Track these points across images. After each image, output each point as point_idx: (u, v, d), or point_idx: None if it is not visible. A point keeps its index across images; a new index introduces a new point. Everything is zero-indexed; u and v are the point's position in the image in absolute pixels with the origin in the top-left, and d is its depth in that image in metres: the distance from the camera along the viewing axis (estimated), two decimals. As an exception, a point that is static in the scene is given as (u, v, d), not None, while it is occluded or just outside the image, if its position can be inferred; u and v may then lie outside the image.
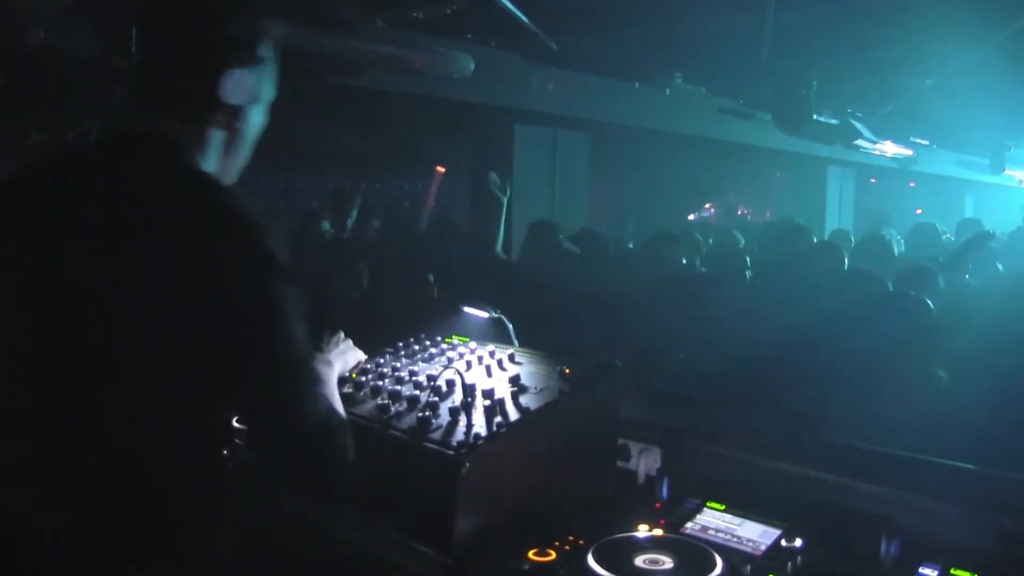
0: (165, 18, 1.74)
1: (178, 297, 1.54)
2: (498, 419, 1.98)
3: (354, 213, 7.73)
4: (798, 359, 3.10)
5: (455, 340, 2.64)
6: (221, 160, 1.80)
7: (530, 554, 1.81)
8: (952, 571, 1.73)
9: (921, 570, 1.74)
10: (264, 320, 1.59)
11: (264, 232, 1.61)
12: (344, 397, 2.18)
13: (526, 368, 2.31)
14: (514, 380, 2.18)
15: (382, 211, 9.54)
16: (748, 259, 5.93)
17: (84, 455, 1.58)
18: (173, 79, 1.73)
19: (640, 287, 4.56)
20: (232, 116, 1.77)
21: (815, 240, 6.68)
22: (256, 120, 1.85)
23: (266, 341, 1.59)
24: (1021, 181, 17.77)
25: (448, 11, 5.42)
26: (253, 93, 1.76)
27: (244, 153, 1.86)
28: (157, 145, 1.70)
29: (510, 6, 5.53)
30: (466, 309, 2.74)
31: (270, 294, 1.59)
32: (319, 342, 2.22)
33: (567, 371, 2.21)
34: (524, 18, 5.89)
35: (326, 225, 7.88)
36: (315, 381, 1.67)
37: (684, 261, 5.75)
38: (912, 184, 17.66)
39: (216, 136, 1.77)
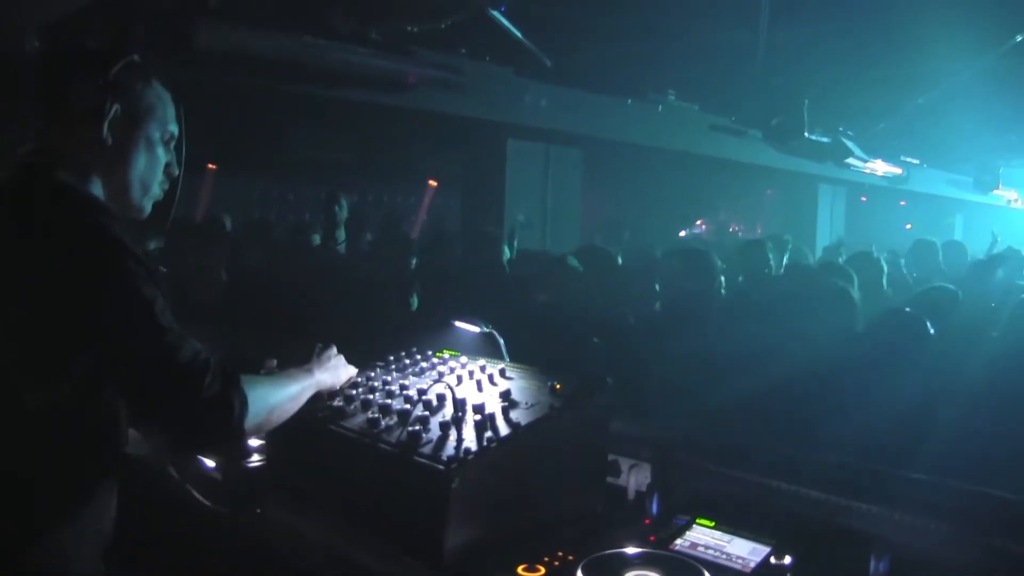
0: (40, 58, 2.06)
1: (39, 292, 1.70)
2: (488, 434, 1.97)
3: (343, 218, 7.68)
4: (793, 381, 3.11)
5: (446, 355, 2.64)
6: (107, 180, 1.93)
7: (519, 569, 1.81)
8: (941, 589, 1.73)
9: (910, 588, 1.74)
10: (116, 297, 1.71)
11: (109, 224, 1.76)
12: (334, 412, 2.20)
13: (517, 383, 2.31)
14: (505, 395, 2.17)
15: (375, 224, 9.54)
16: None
17: None
18: (39, 98, 1.95)
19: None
20: (96, 131, 1.88)
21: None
22: (138, 141, 1.95)
23: (122, 314, 1.71)
24: (1010, 201, 17.89)
25: (443, 25, 5.45)
26: (101, 104, 1.87)
27: (139, 172, 1.97)
28: (37, 170, 1.87)
29: (505, 22, 5.57)
30: (457, 323, 2.73)
31: (117, 272, 1.72)
32: (308, 357, 2.25)
33: (558, 386, 2.21)
34: (519, 34, 5.93)
35: (316, 238, 7.86)
36: (167, 327, 1.72)
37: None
38: (903, 203, 17.77)
39: (88, 152, 1.90)
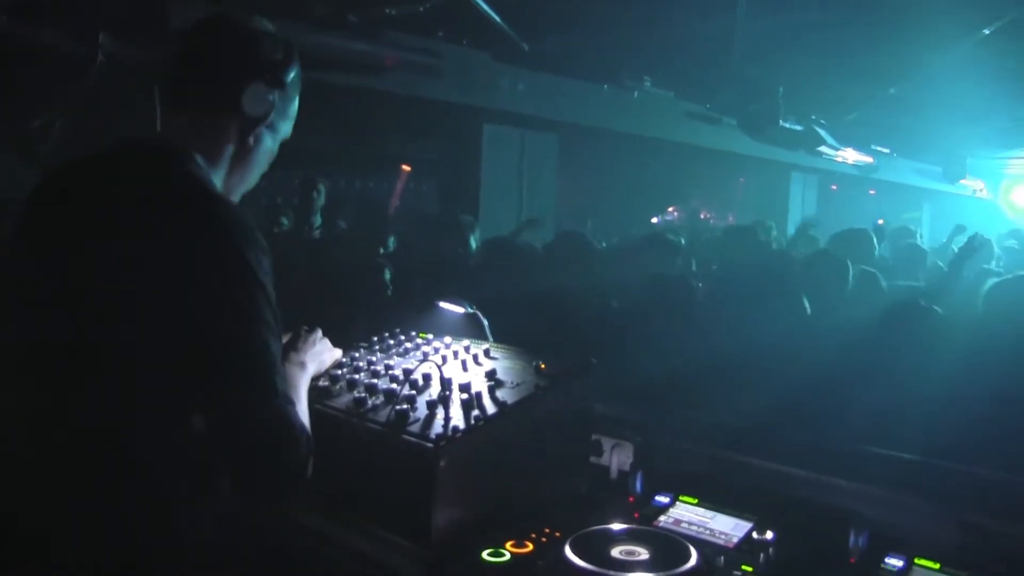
0: (203, 29, 1.87)
1: (158, 297, 1.60)
2: (475, 412, 2.00)
3: (320, 204, 7.64)
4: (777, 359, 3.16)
5: (429, 335, 2.65)
6: (228, 174, 1.88)
7: (508, 545, 1.84)
8: (916, 561, 1.78)
9: (887, 560, 1.79)
10: (234, 322, 1.61)
11: (248, 239, 1.65)
12: (320, 391, 2.20)
13: (502, 363, 2.34)
14: (490, 375, 2.20)
15: (349, 209, 9.49)
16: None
17: (75, 451, 1.63)
18: (196, 83, 1.85)
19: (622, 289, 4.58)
20: (245, 130, 1.86)
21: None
22: (268, 145, 1.94)
23: (233, 343, 1.61)
24: (976, 191, 18.15)
25: (422, 8, 5.44)
26: (269, 110, 1.86)
27: (252, 176, 1.96)
28: (158, 153, 1.78)
29: (483, 5, 5.57)
30: (441, 304, 2.75)
31: (243, 297, 1.62)
32: (295, 341, 2.22)
33: (543, 366, 2.24)
34: (497, 18, 5.93)
35: (284, 221, 7.81)
36: (280, 390, 1.64)
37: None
38: (872, 192, 17.94)
39: (227, 148, 1.86)
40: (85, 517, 1.63)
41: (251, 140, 1.89)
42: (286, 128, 1.99)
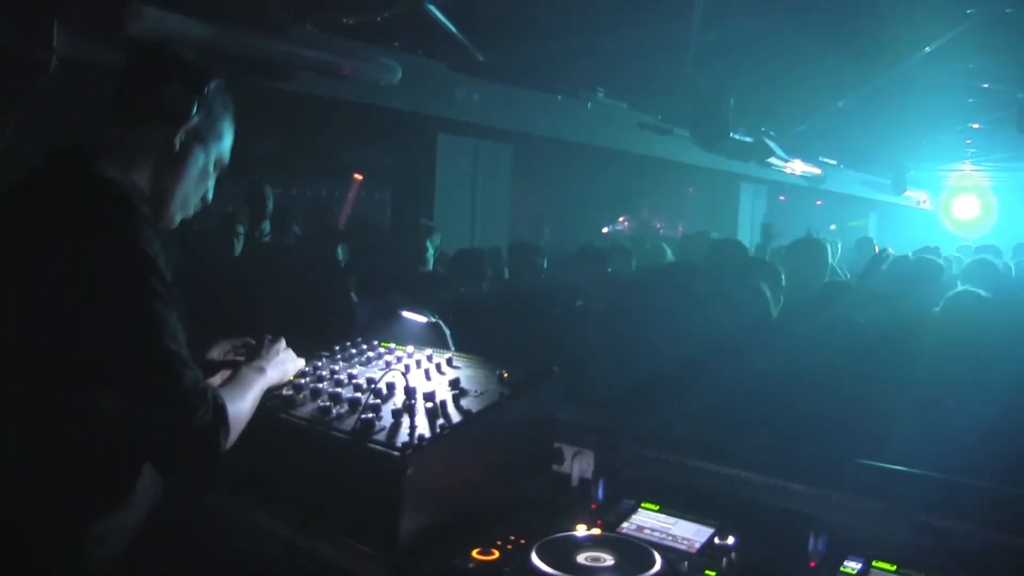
0: (134, 52, 2.03)
1: (57, 288, 1.70)
2: (441, 421, 2.00)
3: (269, 210, 7.56)
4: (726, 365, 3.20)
5: (392, 344, 2.66)
6: (155, 181, 1.96)
7: (474, 553, 1.84)
8: (874, 563, 1.82)
9: (846, 563, 1.83)
10: (125, 310, 1.70)
11: (138, 230, 1.75)
12: (283, 400, 2.19)
13: (465, 372, 2.35)
14: (454, 383, 2.21)
15: (302, 217, 9.42)
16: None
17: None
18: (124, 92, 1.98)
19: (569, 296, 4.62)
20: (169, 134, 1.95)
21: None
22: (199, 160, 2.02)
23: (127, 330, 1.70)
24: (919, 202, 18.60)
25: (379, 18, 5.44)
26: (187, 110, 1.95)
27: (185, 188, 2.02)
28: (75, 155, 1.88)
29: (440, 16, 5.58)
30: (404, 313, 2.75)
31: (132, 285, 1.71)
32: (258, 348, 2.23)
33: (505, 375, 2.25)
34: (453, 28, 5.95)
35: (241, 229, 7.72)
36: (171, 350, 1.71)
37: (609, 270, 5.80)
38: (819, 202, 18.29)
39: (149, 151, 1.95)
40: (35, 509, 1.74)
41: (176, 144, 1.96)
42: (219, 148, 2.07)
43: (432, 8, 5.47)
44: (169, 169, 1.97)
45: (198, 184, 2.05)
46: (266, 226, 7.57)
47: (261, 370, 2.13)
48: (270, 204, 7.56)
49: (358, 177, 13.89)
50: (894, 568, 1.81)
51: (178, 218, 2.04)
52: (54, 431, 1.74)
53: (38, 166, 1.89)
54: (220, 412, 1.77)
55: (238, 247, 6.67)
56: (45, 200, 1.82)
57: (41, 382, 1.74)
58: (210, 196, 2.11)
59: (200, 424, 1.71)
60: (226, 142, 2.09)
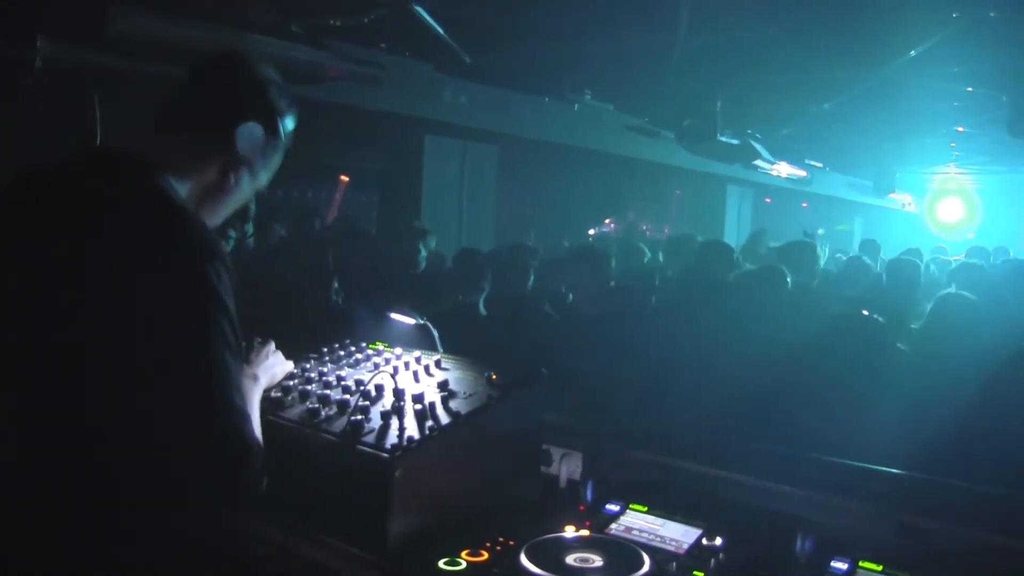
0: (217, 61, 1.91)
1: (118, 307, 1.60)
2: (429, 422, 2.01)
3: (252, 212, 7.53)
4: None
5: (380, 346, 2.65)
6: (199, 204, 1.86)
7: (463, 554, 1.85)
8: (861, 564, 1.84)
9: (833, 564, 1.84)
10: (195, 340, 1.60)
11: (211, 254, 1.65)
12: (272, 402, 2.18)
13: (453, 374, 2.35)
14: (443, 385, 2.21)
15: (287, 218, 9.38)
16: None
17: (36, 458, 1.64)
18: (197, 106, 1.87)
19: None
20: (227, 166, 1.87)
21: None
22: (244, 189, 1.94)
23: (193, 361, 1.60)
24: (904, 204, 18.72)
25: (365, 19, 5.43)
26: (257, 153, 1.88)
27: (220, 214, 1.95)
28: (134, 165, 1.77)
29: (427, 17, 5.58)
30: (392, 315, 2.75)
31: (205, 314, 1.61)
32: (247, 353, 2.20)
33: (494, 377, 2.26)
34: (440, 30, 5.95)
35: (232, 233, 7.69)
36: (238, 407, 1.63)
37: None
38: (805, 204, 18.37)
39: (204, 177, 1.86)
40: (41, 525, 1.63)
41: (232, 178, 1.90)
42: (264, 178, 2.00)
43: (419, 9, 5.46)
44: (216, 198, 1.91)
45: (233, 209, 1.99)
46: (249, 228, 7.54)
47: (255, 378, 2.07)
48: (252, 206, 7.54)
49: (344, 179, 13.85)
50: (880, 568, 1.82)
51: None
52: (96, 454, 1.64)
53: (81, 162, 1.79)
54: (264, 459, 1.67)
55: (227, 248, 6.63)
56: (115, 209, 1.68)
57: (83, 395, 1.64)
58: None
59: (254, 476, 1.63)
60: (271, 171, 2.02)
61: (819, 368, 3.18)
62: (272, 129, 1.91)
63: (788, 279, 4.49)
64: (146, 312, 1.60)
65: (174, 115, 1.89)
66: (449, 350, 2.66)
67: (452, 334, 2.83)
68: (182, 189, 1.81)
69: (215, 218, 1.94)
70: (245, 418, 1.63)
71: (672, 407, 3.03)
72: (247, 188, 1.96)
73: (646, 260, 6.90)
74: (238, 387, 1.64)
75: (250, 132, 1.86)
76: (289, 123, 1.97)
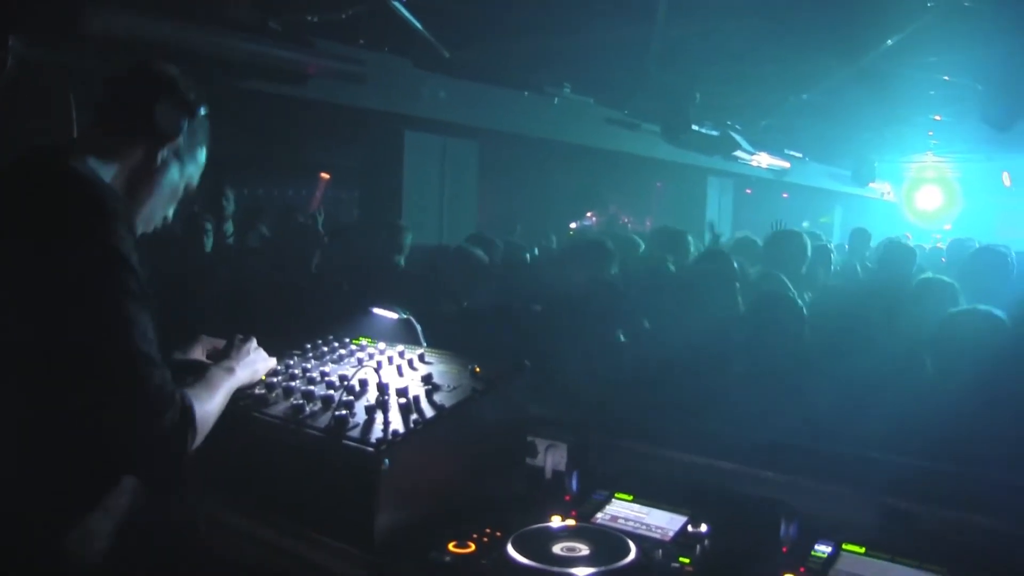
0: (134, 65, 2.04)
1: (29, 282, 1.69)
2: (414, 416, 2.01)
3: (230, 211, 7.51)
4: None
5: (363, 341, 2.66)
6: (127, 190, 1.96)
7: (450, 546, 1.85)
8: (844, 546, 1.86)
9: (817, 547, 1.86)
10: (96, 308, 1.69)
11: (112, 227, 1.74)
12: (256, 399, 2.18)
13: (437, 367, 2.35)
14: (426, 379, 2.21)
15: (268, 217, 9.35)
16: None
17: None
18: (115, 99, 2.01)
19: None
20: (152, 149, 1.98)
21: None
22: (173, 177, 2.05)
23: (97, 328, 1.69)
24: (883, 194, 18.84)
25: (343, 15, 5.41)
26: (176, 131, 2.00)
27: (154, 203, 2.04)
28: (50, 153, 1.88)
29: (405, 13, 5.57)
30: (375, 310, 2.75)
31: (104, 282, 1.70)
32: (228, 348, 2.24)
33: (477, 370, 2.26)
34: (419, 25, 5.94)
35: (208, 227, 7.67)
36: (142, 352, 1.70)
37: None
38: (785, 195, 18.45)
39: (132, 159, 1.97)
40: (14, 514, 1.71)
41: (157, 160, 1.99)
42: (192, 170, 2.11)
43: (397, 5, 5.45)
44: (144, 182, 1.99)
45: (167, 202, 2.08)
46: (229, 227, 7.52)
47: (230, 370, 2.12)
48: (231, 206, 7.52)
49: (325, 176, 13.82)
50: (863, 550, 1.84)
51: (139, 231, 2.02)
52: (24, 431, 1.72)
53: (12, 162, 1.87)
54: (188, 414, 1.77)
55: (208, 244, 6.63)
56: (17, 194, 1.80)
57: (10, 380, 1.72)
58: (170, 218, 2.14)
59: (167, 425, 1.71)
60: (199, 166, 2.13)
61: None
62: (187, 108, 2.02)
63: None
64: (50, 286, 1.68)
65: (100, 109, 2.01)
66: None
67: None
68: (106, 172, 1.90)
69: (151, 207, 2.03)
70: (150, 363, 1.71)
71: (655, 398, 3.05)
72: (174, 173, 2.05)
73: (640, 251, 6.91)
74: (143, 334, 1.72)
75: (166, 110, 1.97)
76: (201, 106, 2.07)
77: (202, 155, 2.13)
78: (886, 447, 2.25)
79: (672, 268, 4.88)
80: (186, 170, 2.08)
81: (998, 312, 3.23)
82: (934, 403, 2.79)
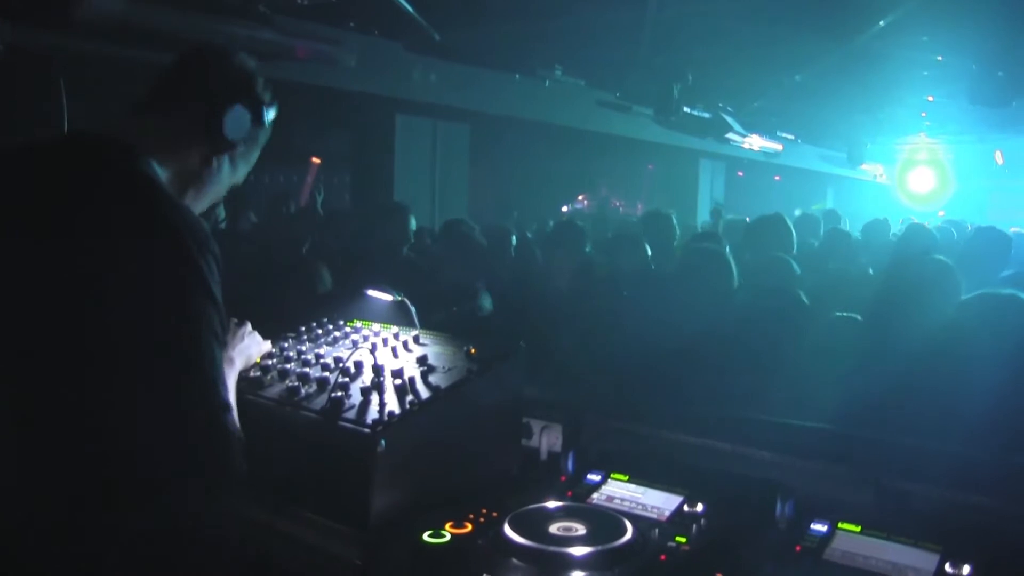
0: (205, 49, 1.93)
1: (106, 298, 1.57)
2: (410, 397, 2.00)
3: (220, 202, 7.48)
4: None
5: (358, 323, 2.65)
6: (181, 191, 1.85)
7: (447, 526, 1.85)
8: (839, 525, 1.86)
9: (812, 526, 1.86)
10: (186, 334, 1.60)
11: (202, 246, 1.64)
12: (251, 381, 2.17)
13: (432, 349, 2.35)
14: (422, 360, 2.21)
15: (257, 203, 9.31)
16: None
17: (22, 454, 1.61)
18: (185, 89, 1.87)
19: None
20: (211, 152, 1.87)
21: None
22: (225, 179, 1.94)
23: (183, 354, 1.60)
24: (876, 175, 18.85)
25: (333, -1, 5.38)
26: (242, 139, 1.88)
27: (201, 203, 1.93)
28: (114, 148, 1.74)
29: (396, -5, 5.54)
30: (369, 292, 2.75)
31: (195, 307, 1.61)
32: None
33: (473, 351, 2.26)
34: (409, 8, 5.90)
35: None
36: (225, 402, 1.64)
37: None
38: (777, 177, 18.46)
39: (188, 163, 1.85)
40: (36, 522, 1.61)
41: (215, 163, 1.89)
42: (243, 171, 2.01)
43: (388, -13, 5.42)
44: (197, 184, 1.89)
45: (210, 200, 1.98)
46: (221, 213, 7.49)
47: (231, 361, 2.07)
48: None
49: (316, 161, 13.76)
50: (859, 529, 1.84)
51: None
52: (56, 437, 1.62)
53: (61, 147, 1.77)
54: (244, 446, 1.68)
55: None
56: (84, 188, 1.67)
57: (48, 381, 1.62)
58: (219, 215, 2.07)
59: (237, 468, 1.65)
60: (250, 166, 2.03)
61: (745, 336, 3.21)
62: (257, 117, 1.92)
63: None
64: (138, 302, 1.58)
65: (161, 97, 1.88)
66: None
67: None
68: (162, 174, 1.79)
69: (197, 207, 1.91)
70: (228, 409, 1.65)
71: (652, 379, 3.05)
72: (226, 178, 1.96)
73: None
74: (223, 378, 1.65)
75: (239, 116, 1.86)
76: (271, 114, 1.98)
77: (255, 156, 2.02)
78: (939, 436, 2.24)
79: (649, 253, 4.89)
80: (238, 172, 1.98)
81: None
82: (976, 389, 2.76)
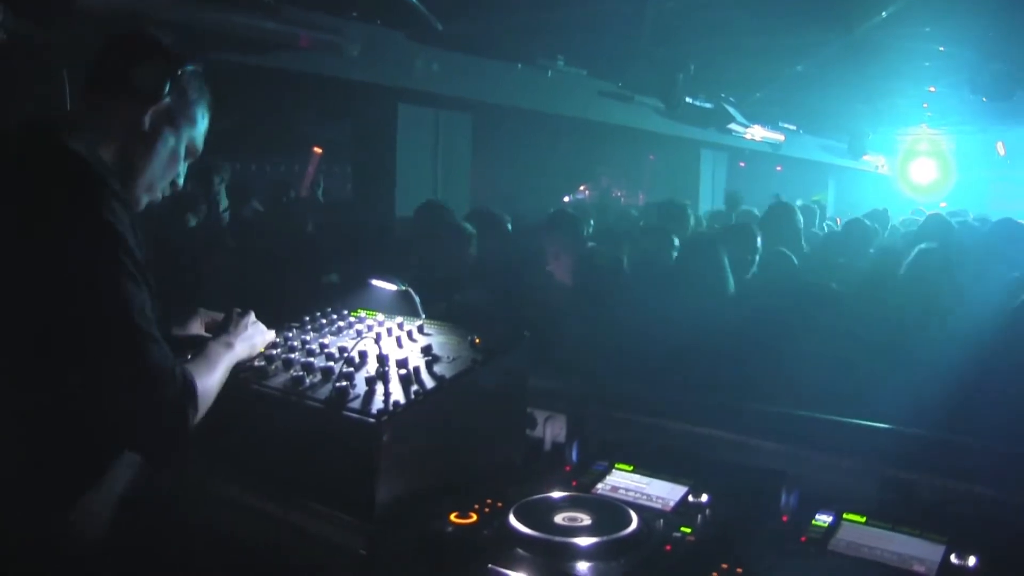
0: (115, 33, 2.01)
1: (25, 263, 1.69)
2: (415, 387, 2.01)
3: (222, 190, 7.50)
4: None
5: (362, 313, 2.65)
6: (122, 158, 1.93)
7: (452, 517, 1.85)
8: (845, 515, 1.86)
9: (818, 516, 1.86)
10: (94, 286, 1.69)
11: (107, 204, 1.73)
12: (255, 371, 2.18)
13: (436, 338, 2.35)
14: (426, 350, 2.21)
15: (260, 192, 9.32)
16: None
17: None
18: (98, 69, 1.97)
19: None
20: (138, 115, 1.94)
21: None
22: (169, 143, 2.00)
23: (96, 306, 1.69)
24: (877, 166, 18.80)
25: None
26: (159, 90, 1.94)
27: (153, 170, 2.00)
28: (42, 128, 1.87)
29: (399, -16, 5.51)
30: (374, 282, 2.74)
31: (101, 261, 1.70)
32: (226, 323, 2.24)
33: (477, 341, 2.26)
34: (411, -4, 5.88)
35: (204, 208, 7.65)
36: (142, 330, 1.71)
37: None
38: (779, 168, 18.40)
39: (126, 128, 1.93)
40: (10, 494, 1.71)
41: (145, 123, 1.95)
42: (192, 133, 2.06)
43: (391, -25, 5.40)
44: (137, 149, 1.95)
45: (167, 167, 2.03)
46: (224, 201, 7.50)
47: (229, 345, 2.14)
48: (225, 182, 7.51)
49: (318, 151, 13.76)
50: (864, 520, 1.85)
51: (144, 200, 2.02)
52: (24, 409, 1.72)
53: (2, 138, 1.86)
54: (188, 388, 1.78)
55: (192, 221, 6.65)
56: (11, 172, 1.79)
57: (8, 358, 1.71)
58: (180, 181, 2.10)
59: (168, 401, 1.73)
60: (200, 128, 2.08)
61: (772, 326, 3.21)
62: (168, 66, 1.96)
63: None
64: (40, 259, 1.68)
65: (87, 80, 1.98)
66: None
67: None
68: (98, 143, 1.88)
69: (150, 175, 1.99)
70: (151, 340, 1.72)
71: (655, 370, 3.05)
72: (170, 138, 2.00)
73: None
74: (141, 311, 1.72)
75: (146, 70, 1.94)
76: (186, 63, 2.01)
77: (200, 115, 2.07)
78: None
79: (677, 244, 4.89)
80: (183, 133, 2.03)
81: None
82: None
